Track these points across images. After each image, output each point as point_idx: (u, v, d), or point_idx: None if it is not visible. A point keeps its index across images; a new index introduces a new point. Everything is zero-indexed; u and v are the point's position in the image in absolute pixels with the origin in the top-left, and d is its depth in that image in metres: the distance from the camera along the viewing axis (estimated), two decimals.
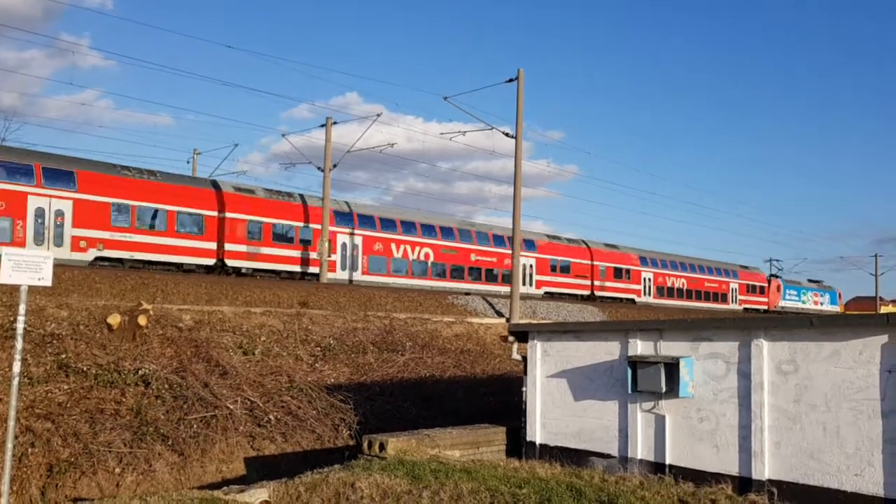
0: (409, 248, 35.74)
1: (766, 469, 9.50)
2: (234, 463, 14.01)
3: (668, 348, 10.74)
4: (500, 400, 18.46)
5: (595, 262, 46.05)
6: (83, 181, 26.38)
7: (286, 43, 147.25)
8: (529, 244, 40.55)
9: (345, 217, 34.00)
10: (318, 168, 36.84)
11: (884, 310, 74.90)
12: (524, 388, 12.66)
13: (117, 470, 12.55)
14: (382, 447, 11.37)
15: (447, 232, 37.82)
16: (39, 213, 24.89)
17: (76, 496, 11.74)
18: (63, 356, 14.47)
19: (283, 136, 41.33)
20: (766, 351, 9.68)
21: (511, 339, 13.45)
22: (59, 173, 25.80)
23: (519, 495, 9.13)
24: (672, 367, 10.35)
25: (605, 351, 11.55)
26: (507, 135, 30.73)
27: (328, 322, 21.24)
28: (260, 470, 13.77)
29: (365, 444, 11.68)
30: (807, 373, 9.30)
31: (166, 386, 14.70)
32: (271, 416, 15.11)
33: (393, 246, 35.19)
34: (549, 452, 11.98)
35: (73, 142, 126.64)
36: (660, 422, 10.70)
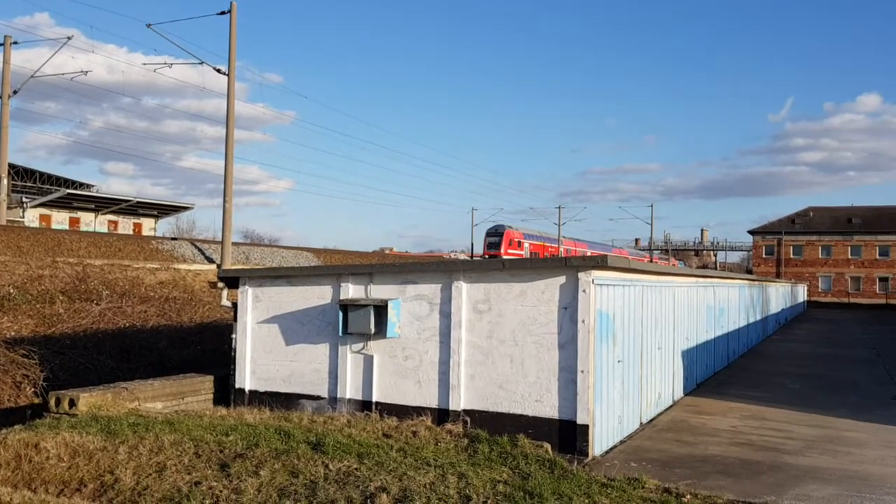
0: None
1: (461, 400, 10.30)
2: None
3: (378, 291, 11.10)
4: (208, 348, 17.82)
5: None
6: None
7: None
8: None
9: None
10: None
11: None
12: (234, 335, 12.34)
13: None
14: (73, 403, 10.41)
15: None
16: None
17: None
18: None
19: None
20: (464, 292, 10.41)
21: (221, 285, 12.98)
22: None
23: (225, 443, 8.93)
24: (381, 309, 10.73)
25: (317, 295, 11.62)
26: (219, 71, 29.19)
27: (7, 269, 18.79)
28: None
29: (52, 402, 10.60)
30: (498, 311, 10.19)
31: None
32: None
33: None
34: (259, 398, 11.86)
35: None
36: (368, 362, 11.08)
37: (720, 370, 18.87)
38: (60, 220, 54.46)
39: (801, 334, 33.81)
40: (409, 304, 10.84)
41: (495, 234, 66.49)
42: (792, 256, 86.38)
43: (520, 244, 67.35)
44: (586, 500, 7.35)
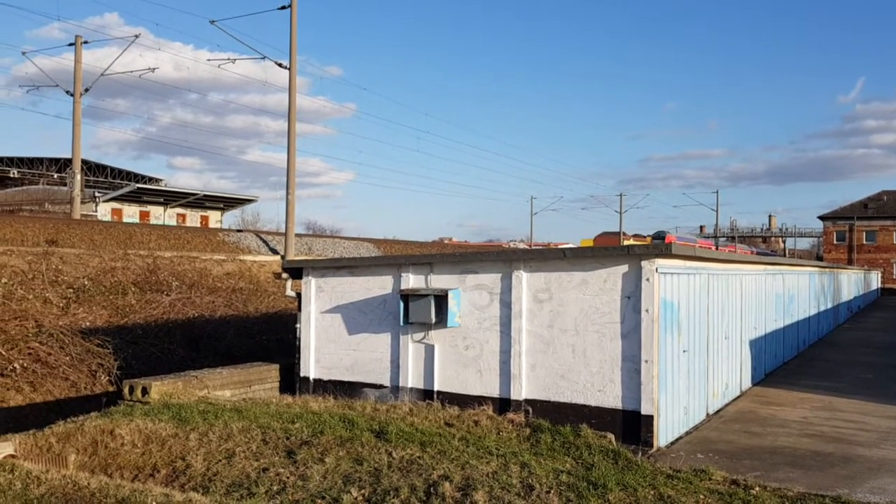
0: None
1: (523, 389, 10.28)
2: None
3: (438, 281, 11.14)
4: (274, 338, 18.21)
5: None
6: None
7: None
8: None
9: None
10: (67, 92, 33.39)
11: (626, 243, 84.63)
12: (298, 325, 12.57)
13: None
14: (145, 391, 10.77)
15: None
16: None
17: None
18: None
19: (23, 54, 36.02)
20: (524, 281, 10.36)
21: (285, 275, 13.21)
22: None
23: (291, 430, 9.11)
24: (441, 298, 10.76)
25: (378, 285, 11.73)
26: (280, 65, 29.62)
27: (82, 261, 19.52)
28: (4, 423, 12.49)
29: (126, 390, 10.99)
30: (560, 300, 10.11)
31: None
32: (16, 365, 13.72)
33: None
34: (324, 387, 12.06)
35: None
36: (429, 351, 11.14)
37: (790, 359, 18.35)
38: (131, 213, 56.25)
39: (874, 323, 32.61)
40: (470, 294, 10.85)
41: (657, 238, 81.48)
42: (864, 242, 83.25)
43: None
44: (651, 492, 7.26)
